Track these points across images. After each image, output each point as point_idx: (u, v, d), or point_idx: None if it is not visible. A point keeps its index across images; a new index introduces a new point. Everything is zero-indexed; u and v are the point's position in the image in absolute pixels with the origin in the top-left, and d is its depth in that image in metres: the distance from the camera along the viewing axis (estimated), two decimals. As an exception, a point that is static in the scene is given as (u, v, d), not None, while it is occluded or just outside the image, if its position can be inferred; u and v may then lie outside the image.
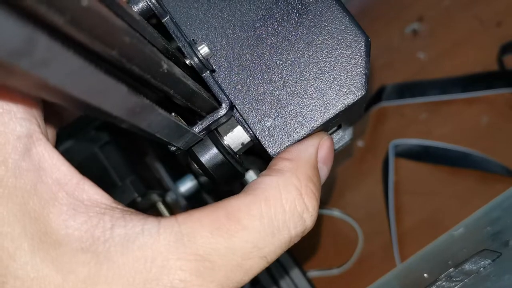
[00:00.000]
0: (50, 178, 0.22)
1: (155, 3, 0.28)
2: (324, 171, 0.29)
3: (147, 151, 0.65)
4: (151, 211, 0.67)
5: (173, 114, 0.27)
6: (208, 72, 0.29)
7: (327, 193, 0.74)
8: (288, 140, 0.29)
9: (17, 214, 0.21)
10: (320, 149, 0.29)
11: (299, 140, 0.29)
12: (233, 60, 0.30)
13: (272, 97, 0.30)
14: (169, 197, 0.66)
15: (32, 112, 0.22)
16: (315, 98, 0.29)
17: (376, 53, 0.75)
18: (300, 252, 0.71)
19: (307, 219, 0.25)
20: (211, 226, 0.23)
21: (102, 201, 0.23)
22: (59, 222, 0.21)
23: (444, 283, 0.35)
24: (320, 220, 0.73)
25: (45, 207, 0.21)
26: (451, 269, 0.35)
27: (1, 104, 0.21)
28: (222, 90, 0.29)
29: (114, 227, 0.22)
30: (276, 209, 0.24)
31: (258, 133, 0.29)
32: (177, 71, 0.24)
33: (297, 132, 0.29)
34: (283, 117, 0.29)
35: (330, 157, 0.29)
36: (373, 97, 0.76)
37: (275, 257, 0.24)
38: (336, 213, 0.72)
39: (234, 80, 0.30)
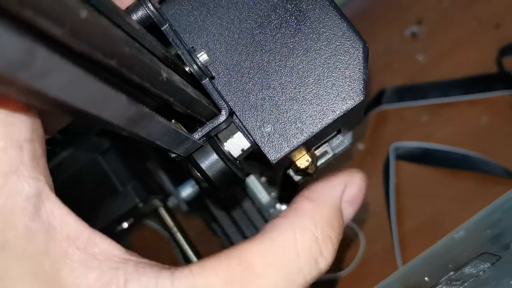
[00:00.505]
0: (60, 235, 0.21)
1: (154, 11, 0.28)
2: (349, 212, 0.28)
3: (148, 157, 0.65)
4: (152, 216, 0.67)
5: (173, 121, 0.28)
6: (207, 79, 0.29)
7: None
8: (287, 146, 0.29)
9: (29, 277, 0.20)
10: (348, 189, 0.28)
11: (298, 146, 0.29)
12: (232, 67, 0.30)
13: (271, 103, 0.30)
14: (171, 202, 0.66)
15: (39, 167, 0.22)
16: (314, 104, 0.29)
17: (375, 55, 0.76)
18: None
19: (321, 263, 0.25)
20: (225, 275, 0.22)
21: (115, 254, 0.22)
22: (71, 281, 0.20)
23: (444, 287, 0.35)
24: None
25: (55, 265, 0.20)
26: (452, 273, 0.36)
27: (7, 162, 0.20)
28: (222, 97, 0.29)
29: (128, 282, 0.21)
30: (291, 256, 0.24)
31: (258, 139, 0.30)
32: (177, 78, 0.24)
33: (296, 137, 0.29)
34: (283, 123, 0.29)
35: (358, 198, 0.28)
36: (373, 100, 0.76)
37: None
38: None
39: (234, 86, 0.30)
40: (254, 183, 0.56)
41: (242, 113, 0.30)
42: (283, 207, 0.71)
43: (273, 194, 0.57)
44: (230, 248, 0.24)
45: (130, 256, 0.22)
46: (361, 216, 0.72)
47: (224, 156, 0.30)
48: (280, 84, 0.30)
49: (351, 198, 0.28)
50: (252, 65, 0.30)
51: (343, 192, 0.28)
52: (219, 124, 0.29)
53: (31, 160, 0.21)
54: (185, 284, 0.21)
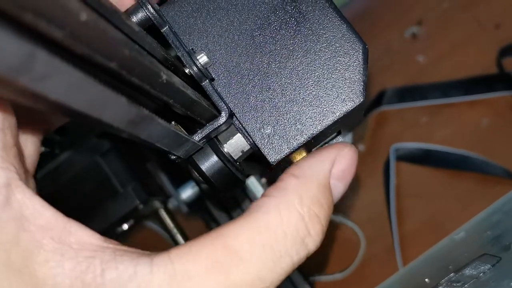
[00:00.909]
0: (33, 225, 0.20)
1: (154, 13, 0.28)
2: (338, 189, 0.26)
3: (148, 158, 0.65)
4: (153, 217, 0.67)
5: (173, 122, 0.28)
6: (207, 80, 0.29)
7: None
8: (287, 148, 0.29)
9: (1, 269, 0.19)
10: (336, 164, 0.26)
11: (298, 148, 0.29)
12: (232, 69, 0.30)
13: (271, 105, 0.30)
14: (171, 203, 0.66)
15: (8, 157, 0.21)
16: (313, 106, 0.29)
17: (375, 56, 0.76)
18: (302, 256, 0.71)
19: (309, 244, 0.24)
20: (206, 261, 0.21)
21: (91, 242, 0.21)
22: (46, 271, 0.20)
23: (444, 288, 0.35)
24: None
25: (29, 256, 0.20)
26: (452, 274, 0.36)
27: None
28: (222, 99, 0.29)
29: (105, 271, 0.20)
30: (277, 236, 0.22)
31: (258, 141, 0.30)
32: (176, 80, 0.24)
33: (296, 139, 0.29)
34: (282, 125, 0.30)
35: (348, 173, 0.27)
36: (373, 101, 0.76)
37: (278, 283, 0.23)
38: (337, 217, 0.72)
39: (233, 88, 0.30)
40: (254, 184, 0.56)
41: (242, 115, 0.30)
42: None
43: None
44: (212, 231, 0.22)
45: (108, 243, 0.21)
46: (349, 199, 0.73)
47: (224, 157, 0.30)
48: (280, 85, 0.30)
49: (340, 173, 0.26)
50: (252, 66, 0.30)
51: (332, 167, 0.26)
52: (219, 126, 0.29)
53: (1, 149, 0.21)
54: (164, 271, 0.21)
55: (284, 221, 0.23)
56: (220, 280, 0.21)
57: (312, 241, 0.24)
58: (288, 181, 0.25)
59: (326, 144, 0.35)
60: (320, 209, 0.24)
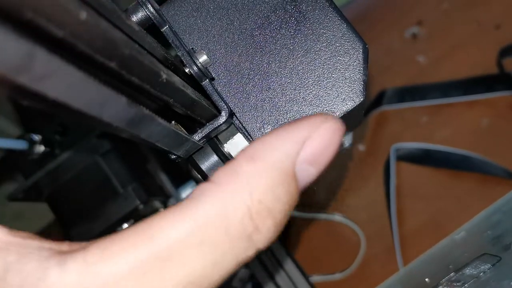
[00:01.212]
0: None
1: (154, 12, 0.28)
2: (308, 174, 0.21)
3: (148, 158, 0.65)
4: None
5: (173, 122, 0.28)
6: (207, 80, 0.29)
7: (328, 197, 0.74)
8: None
9: None
10: (308, 144, 0.21)
11: None
12: (232, 68, 0.30)
13: (271, 104, 0.30)
14: (171, 203, 0.66)
15: None
16: (313, 105, 0.29)
17: (375, 57, 0.76)
18: (302, 257, 0.71)
19: (258, 241, 0.20)
20: (129, 263, 0.18)
21: None
22: None
23: (445, 288, 0.35)
24: (322, 224, 0.73)
25: None
26: (452, 274, 0.36)
27: None
28: (222, 98, 0.29)
29: (7, 273, 0.17)
30: (218, 232, 0.19)
31: (258, 140, 0.30)
32: (177, 80, 0.24)
33: (296, 139, 0.29)
34: (283, 124, 0.30)
35: (323, 155, 0.21)
36: (373, 101, 0.76)
37: (218, 284, 0.19)
38: (338, 217, 0.72)
39: (234, 87, 0.30)
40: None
41: (242, 114, 0.30)
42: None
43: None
44: (141, 222, 0.19)
45: (14, 237, 0.18)
46: (350, 199, 0.73)
47: (224, 157, 0.30)
48: (280, 85, 0.30)
49: (311, 156, 0.21)
50: (252, 66, 0.30)
51: (300, 148, 0.21)
52: (219, 125, 0.29)
53: None
54: (78, 279, 0.17)
55: (228, 214, 0.19)
56: (145, 286, 0.18)
57: (261, 238, 0.20)
58: (241, 165, 0.20)
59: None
60: (276, 201, 0.20)
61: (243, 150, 0.21)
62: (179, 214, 0.19)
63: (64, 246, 0.18)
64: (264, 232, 0.20)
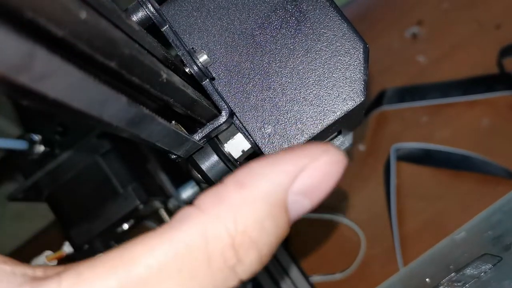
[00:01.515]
0: None
1: (154, 12, 0.28)
2: (303, 206, 0.20)
3: (148, 158, 0.65)
4: (153, 217, 0.67)
5: (173, 122, 0.27)
6: (207, 80, 0.29)
7: (329, 197, 0.74)
8: (288, 147, 0.29)
9: None
10: (304, 176, 0.19)
11: None
12: (233, 68, 0.30)
13: (271, 104, 0.30)
14: (171, 203, 0.66)
15: None
16: (314, 105, 0.29)
17: (376, 57, 0.76)
18: (303, 257, 0.71)
19: (242, 273, 0.18)
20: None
21: None
22: None
23: (445, 288, 0.35)
24: (322, 224, 0.73)
25: None
26: (453, 274, 0.36)
27: None
28: (222, 98, 0.29)
29: None
30: (199, 261, 0.18)
31: (258, 140, 0.30)
32: (177, 80, 0.24)
33: (297, 138, 0.29)
34: (283, 124, 0.29)
35: (320, 189, 0.20)
36: (373, 101, 0.76)
37: None
38: (338, 217, 0.72)
39: (234, 87, 0.30)
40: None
41: (243, 114, 0.30)
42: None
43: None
44: (118, 249, 0.18)
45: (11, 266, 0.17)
46: (350, 199, 0.73)
47: (225, 157, 0.30)
48: (280, 85, 0.30)
49: (306, 188, 0.19)
50: (252, 66, 0.30)
51: (295, 178, 0.19)
52: (219, 125, 0.29)
53: None
54: None
55: (208, 243, 0.18)
56: None
57: (244, 270, 0.19)
58: (228, 190, 0.19)
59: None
60: (262, 233, 0.19)
61: (233, 174, 0.19)
62: (158, 240, 0.18)
63: (39, 271, 0.18)
64: (247, 264, 0.19)
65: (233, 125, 0.30)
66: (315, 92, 0.29)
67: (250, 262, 0.18)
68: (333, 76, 0.29)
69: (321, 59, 0.30)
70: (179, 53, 0.29)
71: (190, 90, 0.26)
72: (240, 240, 0.18)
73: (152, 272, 0.17)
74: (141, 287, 0.17)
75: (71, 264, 0.17)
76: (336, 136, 0.36)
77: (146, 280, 0.17)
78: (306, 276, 0.66)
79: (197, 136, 0.28)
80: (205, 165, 0.29)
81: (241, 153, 0.31)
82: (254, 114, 0.30)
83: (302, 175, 0.19)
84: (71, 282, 0.16)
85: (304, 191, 0.19)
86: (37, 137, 0.53)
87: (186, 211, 0.18)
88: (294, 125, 0.29)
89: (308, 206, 0.20)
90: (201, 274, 0.18)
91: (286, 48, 0.30)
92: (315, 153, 0.19)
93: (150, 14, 0.28)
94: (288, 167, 0.19)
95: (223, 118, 0.29)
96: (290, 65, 0.30)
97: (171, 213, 0.65)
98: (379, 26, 0.79)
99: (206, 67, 0.29)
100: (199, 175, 0.30)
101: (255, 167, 0.19)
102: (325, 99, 0.29)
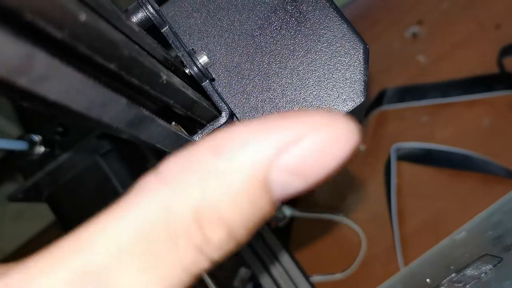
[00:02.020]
0: None
1: (154, 13, 0.28)
2: (291, 186, 0.16)
3: (148, 158, 0.65)
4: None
5: (173, 123, 0.27)
6: (207, 81, 0.29)
7: (329, 197, 0.74)
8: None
9: None
10: (295, 149, 0.15)
11: None
12: (233, 69, 0.30)
13: (271, 105, 0.30)
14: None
15: None
16: (314, 105, 0.29)
17: (376, 57, 0.76)
18: (303, 257, 0.71)
19: (211, 253, 0.15)
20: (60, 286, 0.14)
21: None
22: None
23: (446, 289, 0.35)
24: (322, 224, 0.73)
25: None
26: (453, 274, 0.35)
27: None
28: (222, 99, 0.29)
29: None
30: (162, 239, 0.15)
31: (258, 141, 0.30)
32: (177, 81, 0.24)
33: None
34: None
35: (318, 165, 0.15)
36: (374, 101, 0.76)
37: None
38: (338, 217, 0.72)
39: (234, 88, 0.30)
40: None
41: (243, 115, 0.30)
42: (285, 207, 0.70)
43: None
44: (70, 235, 0.15)
45: None
46: (350, 199, 0.73)
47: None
48: (280, 85, 0.30)
49: (297, 165, 0.15)
50: (252, 66, 0.30)
51: (283, 151, 0.15)
52: (219, 126, 0.29)
53: None
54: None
55: (171, 220, 0.15)
56: None
57: (214, 250, 0.16)
58: (201, 155, 0.15)
59: None
60: (234, 212, 0.16)
61: (210, 137, 0.16)
62: (113, 217, 0.15)
63: None
64: (215, 244, 0.15)
65: (233, 126, 0.30)
66: (315, 92, 0.29)
67: (218, 242, 0.16)
68: (333, 77, 0.29)
69: (321, 60, 0.30)
70: (179, 54, 0.29)
71: (190, 91, 0.26)
72: (207, 217, 0.15)
73: (109, 258, 0.14)
74: (97, 278, 0.14)
75: (28, 258, 0.15)
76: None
77: (103, 268, 0.14)
78: (306, 276, 0.66)
79: (197, 137, 0.28)
80: (205, 166, 0.29)
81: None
82: (254, 115, 0.30)
83: (293, 149, 0.15)
84: (17, 278, 0.14)
85: (293, 169, 0.15)
86: (37, 138, 0.53)
87: (145, 179, 0.16)
88: (294, 126, 0.29)
89: (301, 186, 0.16)
90: (167, 256, 0.15)
91: (286, 49, 0.30)
92: (316, 122, 0.15)
93: (150, 15, 0.28)
94: (277, 136, 0.15)
95: (223, 119, 0.29)
96: (290, 66, 0.30)
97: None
98: (379, 26, 0.79)
99: (206, 68, 0.29)
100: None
101: (238, 131, 0.15)
102: (325, 100, 0.29)
